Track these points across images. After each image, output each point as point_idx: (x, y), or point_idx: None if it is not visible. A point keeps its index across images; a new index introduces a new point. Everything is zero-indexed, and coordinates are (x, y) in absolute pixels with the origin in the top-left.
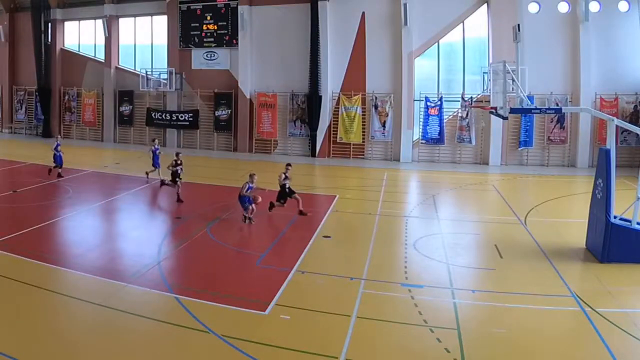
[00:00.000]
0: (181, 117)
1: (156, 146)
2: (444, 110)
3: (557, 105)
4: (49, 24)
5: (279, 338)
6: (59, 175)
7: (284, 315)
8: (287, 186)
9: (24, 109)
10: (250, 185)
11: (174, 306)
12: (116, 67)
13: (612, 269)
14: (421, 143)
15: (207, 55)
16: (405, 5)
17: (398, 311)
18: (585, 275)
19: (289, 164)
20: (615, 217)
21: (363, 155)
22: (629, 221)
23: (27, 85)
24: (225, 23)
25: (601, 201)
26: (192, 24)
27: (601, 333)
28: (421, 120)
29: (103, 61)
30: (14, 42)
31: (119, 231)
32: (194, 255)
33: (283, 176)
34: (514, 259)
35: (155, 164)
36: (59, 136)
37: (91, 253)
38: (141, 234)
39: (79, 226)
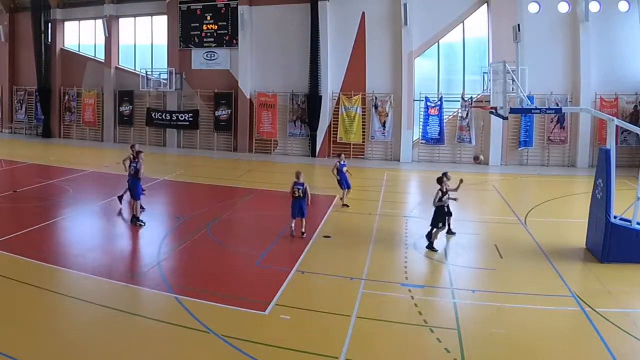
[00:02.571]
0: (181, 117)
1: (342, 162)
2: (444, 110)
3: (557, 105)
4: (49, 24)
5: (279, 338)
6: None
7: (284, 315)
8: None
9: (24, 109)
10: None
11: (174, 306)
12: (116, 67)
13: (612, 269)
14: (421, 143)
15: (207, 55)
16: (405, 5)
17: (398, 311)
18: (585, 275)
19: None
20: (615, 217)
21: (363, 155)
22: (629, 221)
23: (27, 85)
24: (225, 23)
25: (601, 201)
26: (192, 24)
27: (601, 333)
28: (421, 120)
29: (103, 61)
30: (14, 42)
31: (119, 231)
32: (194, 256)
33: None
34: (514, 259)
35: (344, 184)
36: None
37: (91, 253)
38: (141, 234)
39: (79, 226)
